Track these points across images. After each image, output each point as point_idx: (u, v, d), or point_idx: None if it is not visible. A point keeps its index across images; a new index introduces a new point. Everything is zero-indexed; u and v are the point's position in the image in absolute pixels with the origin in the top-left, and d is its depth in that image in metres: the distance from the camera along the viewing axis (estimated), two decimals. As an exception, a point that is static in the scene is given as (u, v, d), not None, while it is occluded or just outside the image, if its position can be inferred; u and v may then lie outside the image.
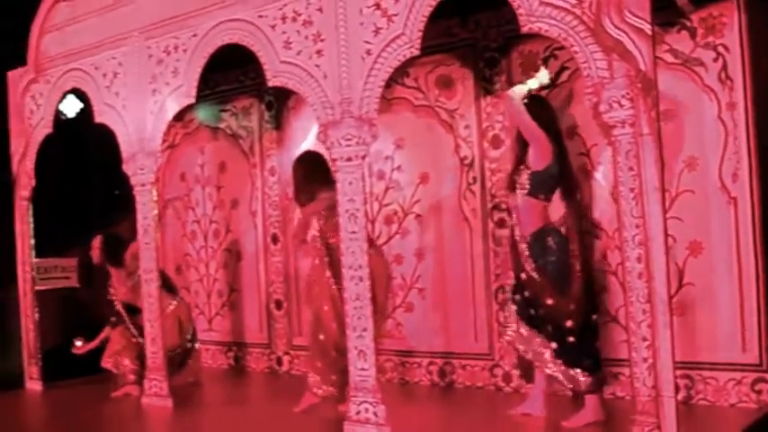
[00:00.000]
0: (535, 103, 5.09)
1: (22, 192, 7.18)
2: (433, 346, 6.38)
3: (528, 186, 4.97)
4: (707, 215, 5.20)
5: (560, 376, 4.92)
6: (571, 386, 4.92)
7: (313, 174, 5.64)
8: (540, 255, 4.94)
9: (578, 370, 4.86)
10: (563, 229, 4.96)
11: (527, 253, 4.99)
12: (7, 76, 7.33)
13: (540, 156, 4.95)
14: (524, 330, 5.08)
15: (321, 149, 5.31)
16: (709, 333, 5.17)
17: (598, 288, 5.30)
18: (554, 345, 4.92)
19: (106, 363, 6.84)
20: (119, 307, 6.85)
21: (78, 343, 7.00)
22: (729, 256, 5.12)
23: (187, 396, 6.30)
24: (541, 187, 4.97)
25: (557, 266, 4.90)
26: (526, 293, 5.05)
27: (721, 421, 4.90)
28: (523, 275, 5.04)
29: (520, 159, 5.10)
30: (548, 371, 4.98)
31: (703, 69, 5.20)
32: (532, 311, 5.03)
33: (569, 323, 4.85)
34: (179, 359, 6.76)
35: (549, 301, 4.92)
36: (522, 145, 5.10)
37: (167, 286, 6.77)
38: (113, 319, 6.85)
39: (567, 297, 4.86)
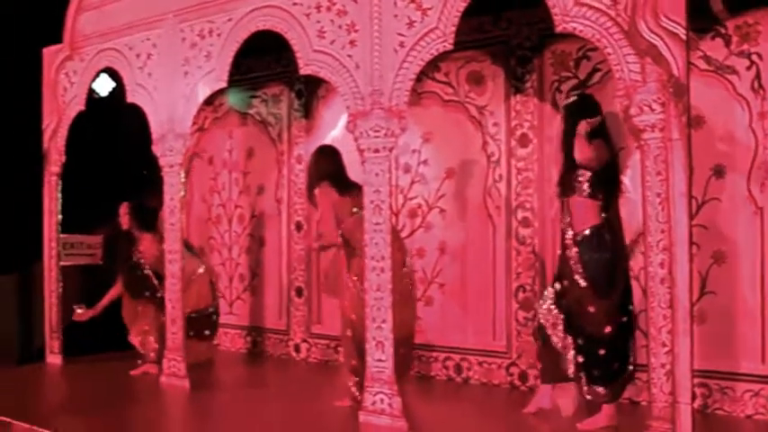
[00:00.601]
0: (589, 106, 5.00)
1: (52, 168, 7.26)
2: (450, 341, 6.40)
3: (587, 188, 4.86)
4: (732, 224, 5.18)
5: (581, 386, 4.91)
6: (589, 396, 4.89)
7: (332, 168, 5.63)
8: (591, 253, 4.82)
9: (599, 387, 4.82)
10: (612, 230, 4.88)
11: (576, 254, 4.90)
12: (42, 52, 7.40)
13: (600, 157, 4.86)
14: (556, 338, 5.03)
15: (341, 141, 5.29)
16: (728, 343, 5.15)
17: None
18: (581, 358, 4.88)
19: (134, 339, 6.91)
20: (149, 272, 6.86)
21: (79, 310, 6.99)
22: (753, 266, 5.10)
23: (203, 378, 6.35)
24: (599, 187, 4.85)
25: (607, 265, 4.80)
26: (565, 301, 4.98)
27: (736, 432, 4.89)
28: (566, 282, 4.96)
29: (571, 160, 4.94)
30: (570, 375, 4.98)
31: (736, 77, 5.17)
32: (569, 320, 4.97)
33: (608, 329, 4.77)
34: (213, 320, 6.87)
35: (591, 309, 4.82)
36: (568, 146, 4.96)
37: (192, 252, 6.89)
38: (147, 293, 6.87)
39: (611, 299, 4.77)
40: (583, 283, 4.85)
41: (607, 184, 4.88)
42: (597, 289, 4.81)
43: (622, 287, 4.81)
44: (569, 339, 4.95)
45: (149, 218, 6.85)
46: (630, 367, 4.85)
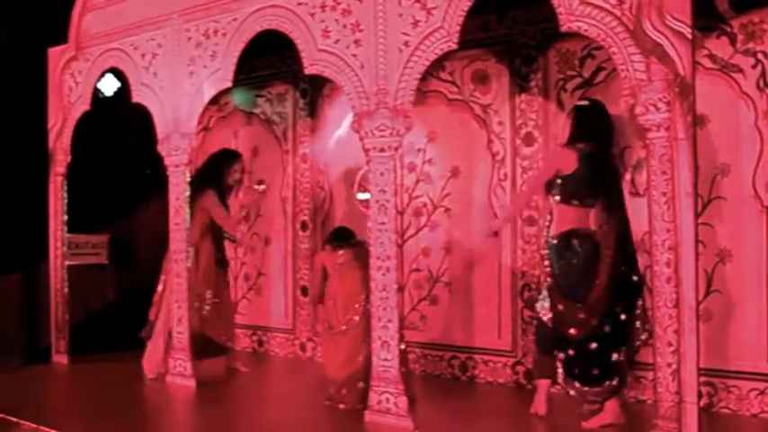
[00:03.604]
0: (591, 111, 5.08)
1: (58, 168, 7.27)
2: (456, 340, 6.40)
3: (559, 192, 4.97)
4: (738, 223, 5.17)
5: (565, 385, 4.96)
6: (571, 392, 4.92)
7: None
8: (559, 258, 4.92)
9: (576, 383, 4.87)
10: (597, 236, 4.88)
11: (546, 256, 5.01)
12: (48, 53, 7.41)
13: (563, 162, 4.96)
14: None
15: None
16: (734, 341, 5.15)
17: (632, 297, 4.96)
18: (560, 355, 4.93)
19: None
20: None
21: None
22: (759, 265, 5.09)
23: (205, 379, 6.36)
24: (573, 193, 4.92)
25: (575, 271, 4.86)
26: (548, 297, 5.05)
27: (742, 431, 4.88)
28: (543, 279, 5.08)
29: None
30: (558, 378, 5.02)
31: (741, 76, 5.16)
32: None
33: (573, 331, 4.84)
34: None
35: (560, 307, 4.91)
36: None
37: None
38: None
39: (581, 304, 4.82)
40: (551, 282, 4.98)
41: (583, 190, 4.90)
42: (563, 291, 4.89)
43: (600, 294, 4.78)
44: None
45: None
46: (615, 380, 4.81)
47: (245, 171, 6.95)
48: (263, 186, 6.22)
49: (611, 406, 4.84)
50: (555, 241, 4.96)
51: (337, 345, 5.46)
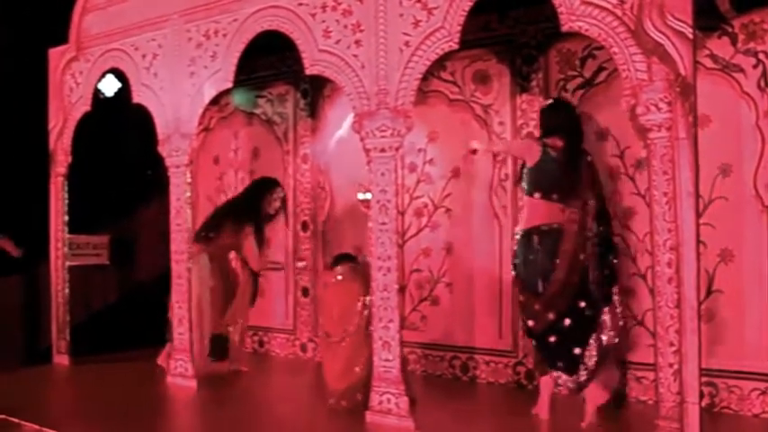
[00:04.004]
0: (551, 107, 5.23)
1: (59, 168, 7.27)
2: (457, 341, 6.40)
3: (525, 184, 5.07)
4: (739, 223, 5.16)
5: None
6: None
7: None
8: (523, 252, 4.99)
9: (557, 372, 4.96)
10: (563, 231, 4.90)
11: (514, 249, 5.14)
12: (48, 53, 7.41)
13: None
14: None
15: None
16: (735, 341, 5.14)
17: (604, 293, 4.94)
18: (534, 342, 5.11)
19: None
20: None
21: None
22: (760, 265, 5.09)
23: (211, 378, 6.37)
24: (537, 186, 4.96)
25: (534, 265, 4.92)
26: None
27: (744, 430, 4.88)
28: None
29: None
30: None
31: (743, 76, 5.16)
32: None
33: (531, 323, 4.98)
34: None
35: (521, 298, 5.06)
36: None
37: None
38: None
39: (538, 297, 4.89)
40: (514, 274, 5.13)
41: (548, 187, 4.93)
42: (523, 283, 5.03)
43: (556, 289, 4.84)
44: None
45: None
46: (582, 375, 4.85)
47: (286, 199, 6.98)
48: (303, 263, 6.18)
49: (590, 393, 4.87)
50: (518, 236, 5.07)
51: (335, 354, 5.47)
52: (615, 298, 4.92)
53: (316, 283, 7.38)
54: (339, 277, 5.61)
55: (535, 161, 4.96)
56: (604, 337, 4.86)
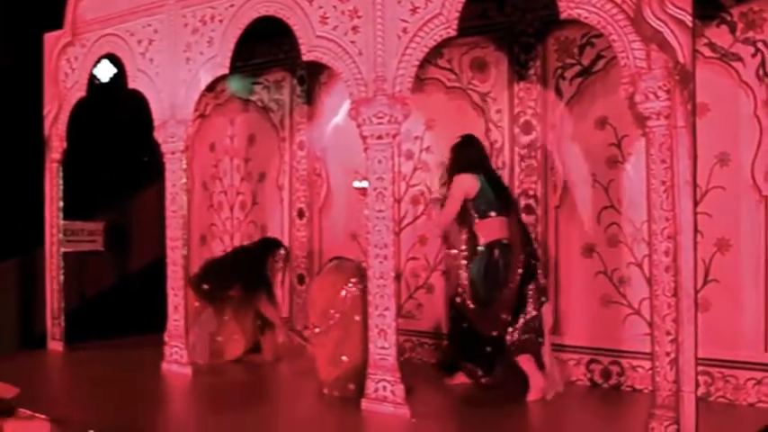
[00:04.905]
0: (463, 144, 5.67)
1: (54, 154, 7.22)
2: (452, 329, 6.38)
3: (475, 211, 5.48)
4: (736, 212, 5.16)
5: None
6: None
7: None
8: (484, 264, 5.39)
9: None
10: (514, 242, 5.39)
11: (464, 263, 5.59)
12: (43, 38, 7.36)
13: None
14: None
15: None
16: (731, 331, 5.14)
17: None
18: None
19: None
20: None
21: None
22: (757, 254, 5.08)
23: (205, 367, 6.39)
24: (490, 206, 5.43)
25: (496, 274, 5.34)
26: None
27: (739, 420, 4.88)
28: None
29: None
30: None
31: (741, 65, 5.14)
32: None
33: (489, 329, 5.36)
34: None
35: (472, 305, 5.45)
36: None
37: None
38: None
39: (495, 303, 5.31)
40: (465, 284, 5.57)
41: (491, 203, 5.44)
42: (477, 293, 5.45)
43: (514, 295, 5.31)
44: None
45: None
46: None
47: (288, 260, 7.04)
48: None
49: (533, 380, 5.22)
50: (481, 249, 5.45)
51: (322, 346, 5.49)
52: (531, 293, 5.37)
53: (311, 270, 7.38)
54: (326, 269, 5.67)
55: (476, 191, 5.43)
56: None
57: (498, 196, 5.48)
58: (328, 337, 5.44)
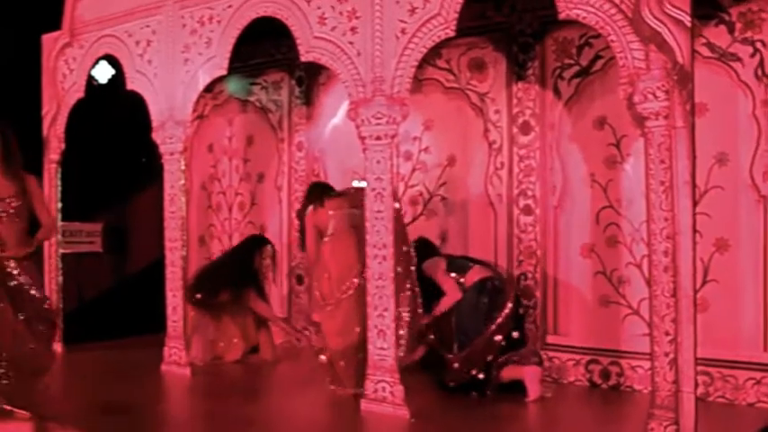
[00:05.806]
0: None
1: (52, 155, 7.21)
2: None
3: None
4: (735, 212, 5.16)
5: None
6: None
7: None
8: (476, 296, 5.45)
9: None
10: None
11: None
12: (42, 39, 7.35)
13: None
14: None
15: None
16: (730, 331, 5.14)
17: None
18: None
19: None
20: None
21: None
22: (756, 254, 5.08)
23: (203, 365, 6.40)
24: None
25: (486, 306, 5.44)
26: None
27: (739, 420, 4.88)
28: None
29: None
30: None
31: (740, 65, 5.14)
32: None
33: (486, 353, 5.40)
34: None
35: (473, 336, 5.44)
36: None
37: None
38: None
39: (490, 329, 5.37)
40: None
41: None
42: (470, 324, 5.48)
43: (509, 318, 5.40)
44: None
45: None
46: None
47: (275, 256, 7.08)
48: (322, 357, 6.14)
49: (529, 379, 5.22)
50: (477, 281, 5.52)
51: (332, 316, 5.44)
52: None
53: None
54: (331, 212, 5.58)
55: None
56: None
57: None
58: (339, 310, 5.38)
